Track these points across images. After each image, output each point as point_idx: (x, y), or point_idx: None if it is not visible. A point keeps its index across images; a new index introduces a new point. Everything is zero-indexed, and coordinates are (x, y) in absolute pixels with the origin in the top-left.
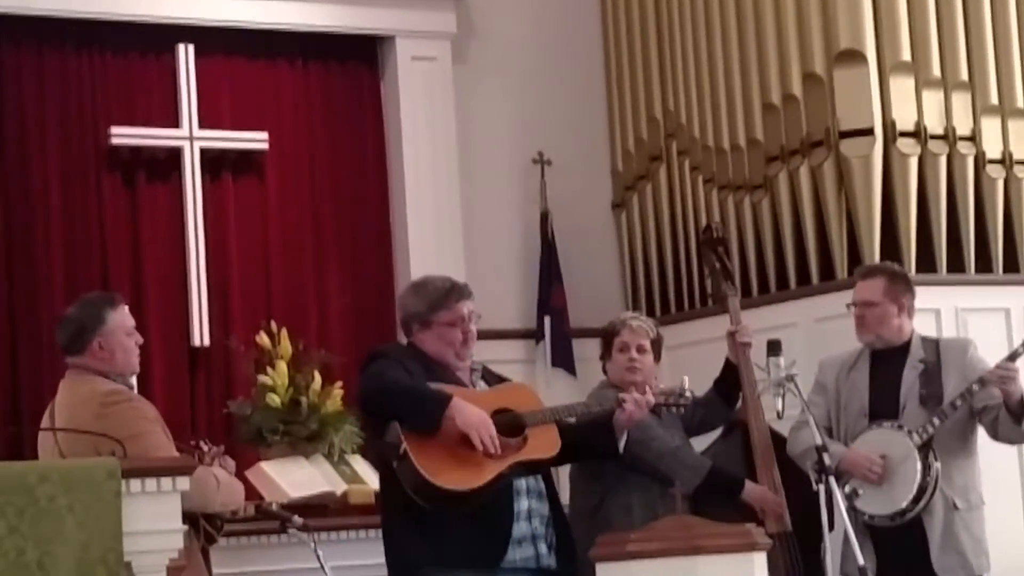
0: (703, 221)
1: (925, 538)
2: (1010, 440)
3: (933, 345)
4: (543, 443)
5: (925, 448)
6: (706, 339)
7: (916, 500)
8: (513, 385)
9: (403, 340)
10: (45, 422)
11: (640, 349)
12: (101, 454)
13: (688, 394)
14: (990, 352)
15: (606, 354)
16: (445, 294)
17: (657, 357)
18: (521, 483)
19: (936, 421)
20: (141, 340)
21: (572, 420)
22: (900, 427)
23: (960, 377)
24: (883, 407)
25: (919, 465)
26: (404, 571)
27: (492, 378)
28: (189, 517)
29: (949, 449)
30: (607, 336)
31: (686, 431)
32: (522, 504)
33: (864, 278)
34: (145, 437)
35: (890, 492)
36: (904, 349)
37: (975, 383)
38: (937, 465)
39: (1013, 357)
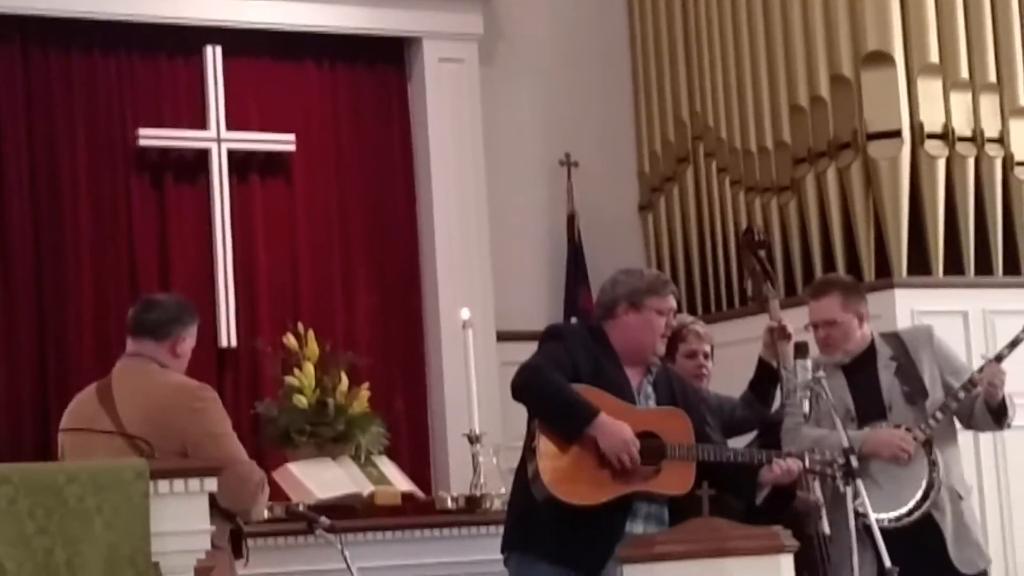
0: (730, 223)
1: (936, 535)
2: (981, 430)
3: (895, 340)
4: (675, 480)
5: (927, 444)
6: (733, 341)
7: (924, 498)
8: (668, 411)
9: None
10: (92, 411)
11: (706, 355)
12: (185, 447)
13: (840, 461)
14: (1018, 354)
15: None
16: (662, 282)
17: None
18: (641, 507)
19: (939, 415)
20: None
21: (714, 461)
22: (898, 426)
23: (933, 366)
24: (868, 410)
25: (925, 462)
26: (503, 543)
27: (663, 382)
28: (235, 534)
29: (942, 441)
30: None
31: (724, 430)
32: (636, 527)
33: (817, 297)
34: (233, 438)
35: (896, 493)
36: (870, 351)
37: (976, 376)
38: (940, 460)
39: (999, 358)
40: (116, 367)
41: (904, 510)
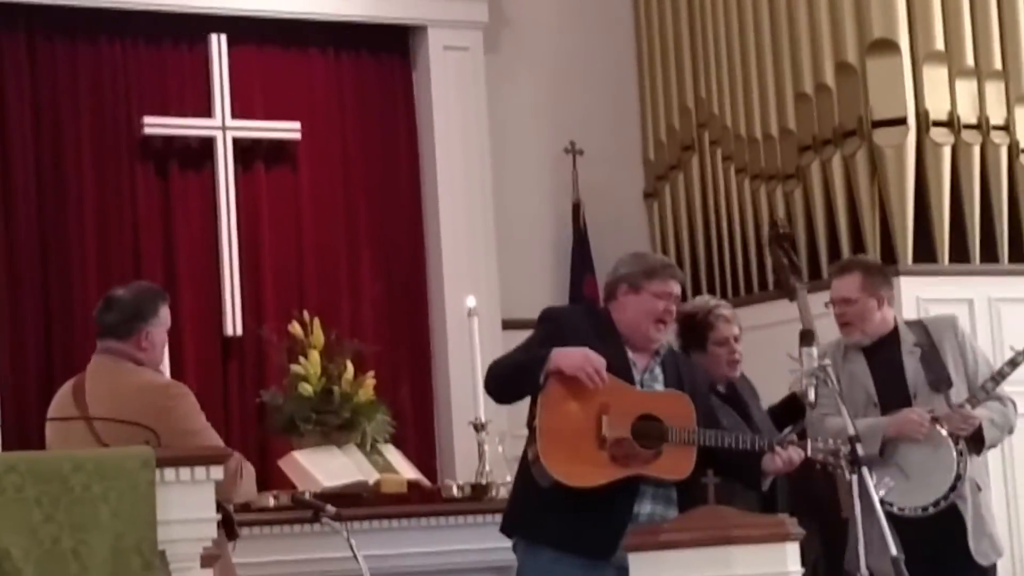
0: (735, 211)
1: (958, 524)
2: None
3: (920, 327)
4: (675, 464)
5: (954, 436)
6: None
7: (952, 489)
8: (672, 394)
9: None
10: (68, 406)
11: (736, 339)
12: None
13: (844, 449)
14: None
15: (694, 346)
16: (663, 266)
17: None
18: (648, 487)
19: (969, 407)
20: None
21: (717, 447)
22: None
23: (957, 355)
24: (892, 396)
25: (953, 452)
26: (504, 527)
27: (671, 366)
28: (225, 517)
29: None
30: (698, 328)
31: None
32: (644, 508)
33: (839, 275)
34: (208, 432)
35: (926, 482)
36: (893, 336)
37: (1011, 361)
38: (965, 450)
39: (1014, 364)
40: (89, 364)
41: (931, 500)
